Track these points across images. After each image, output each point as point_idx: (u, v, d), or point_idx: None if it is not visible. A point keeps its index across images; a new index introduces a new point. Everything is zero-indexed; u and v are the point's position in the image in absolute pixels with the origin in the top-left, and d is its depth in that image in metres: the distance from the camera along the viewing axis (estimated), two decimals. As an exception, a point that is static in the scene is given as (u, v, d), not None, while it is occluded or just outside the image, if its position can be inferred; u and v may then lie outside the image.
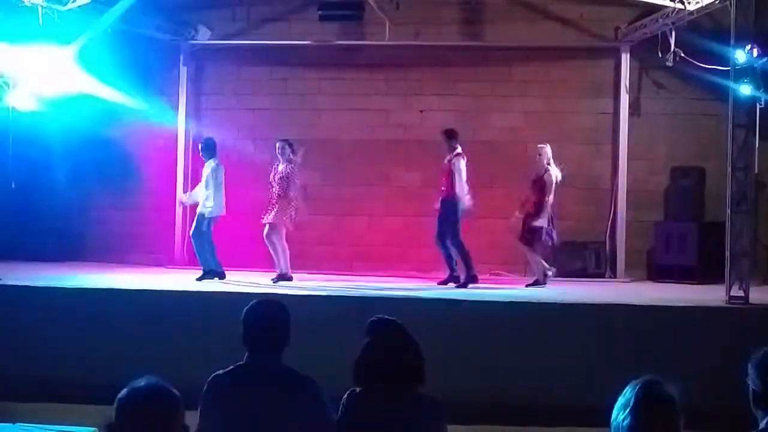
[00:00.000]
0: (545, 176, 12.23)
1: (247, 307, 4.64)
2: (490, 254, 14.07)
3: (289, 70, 15.01)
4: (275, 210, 12.16)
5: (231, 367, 4.54)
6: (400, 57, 14.75)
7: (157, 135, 14.87)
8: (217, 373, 4.54)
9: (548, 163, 12.27)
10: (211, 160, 12.56)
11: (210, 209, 12.39)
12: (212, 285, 11.98)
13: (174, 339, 10.01)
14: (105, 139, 14.65)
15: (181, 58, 15.11)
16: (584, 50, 14.60)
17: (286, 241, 12.31)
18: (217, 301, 10.61)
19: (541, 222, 12.14)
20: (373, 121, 14.76)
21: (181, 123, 15.04)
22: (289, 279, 12.20)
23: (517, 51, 14.62)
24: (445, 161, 12.23)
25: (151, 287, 11.60)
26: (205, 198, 12.45)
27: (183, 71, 15.12)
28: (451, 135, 12.39)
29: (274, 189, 12.28)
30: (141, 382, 3.23)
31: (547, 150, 12.34)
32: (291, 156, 12.34)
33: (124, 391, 3.21)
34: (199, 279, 12.29)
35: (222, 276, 12.38)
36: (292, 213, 12.23)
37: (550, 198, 12.19)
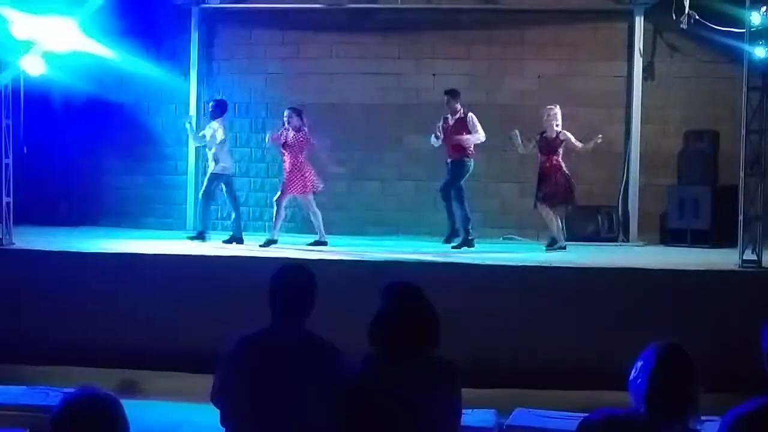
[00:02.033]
0: (560, 136, 12.19)
1: (276, 272, 4.64)
2: (503, 219, 14.09)
3: (302, 34, 14.94)
4: (292, 181, 12.24)
5: (256, 331, 4.55)
6: (413, 20, 14.67)
7: (169, 99, 14.88)
8: (241, 335, 4.55)
9: (557, 125, 12.23)
10: (215, 122, 12.59)
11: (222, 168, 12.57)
12: (230, 249, 11.97)
13: (189, 303, 10.04)
14: (117, 103, 14.65)
15: (193, 22, 15.03)
16: (598, 13, 14.50)
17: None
18: (232, 266, 10.64)
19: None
20: (385, 85, 14.70)
21: (193, 87, 14.98)
22: (324, 243, 12.30)
23: (530, 14, 14.52)
24: (451, 121, 12.22)
25: (165, 251, 11.62)
26: (213, 159, 12.60)
27: (195, 35, 15.05)
28: (456, 94, 12.39)
29: (285, 158, 12.32)
30: (76, 393, 3.10)
31: (557, 111, 12.31)
32: (300, 124, 12.33)
33: (56, 405, 3.06)
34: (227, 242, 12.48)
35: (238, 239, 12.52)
36: (311, 179, 12.27)
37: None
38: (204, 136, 12.72)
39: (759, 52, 10.89)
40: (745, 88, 10.87)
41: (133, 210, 14.99)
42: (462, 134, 12.19)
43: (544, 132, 12.28)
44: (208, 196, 12.67)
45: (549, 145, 12.25)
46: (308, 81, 14.79)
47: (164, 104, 15.01)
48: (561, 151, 12.23)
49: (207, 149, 12.77)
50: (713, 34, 12.78)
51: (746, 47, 10.93)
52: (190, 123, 13.24)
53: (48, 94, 14.01)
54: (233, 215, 12.88)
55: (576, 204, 12.61)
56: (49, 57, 11.97)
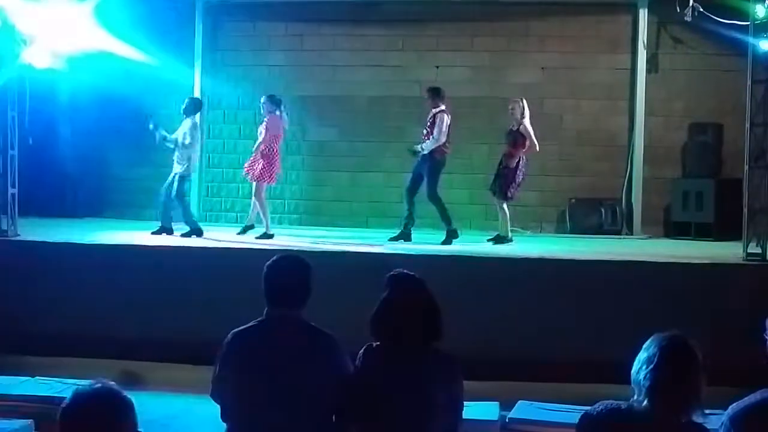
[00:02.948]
0: (521, 129, 12.18)
1: (269, 262, 4.64)
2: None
3: (305, 26, 14.95)
4: (258, 166, 12.26)
5: (252, 323, 4.56)
6: (417, 12, 14.66)
7: (173, 91, 14.88)
8: (238, 328, 4.55)
9: (523, 117, 12.21)
10: (188, 119, 12.55)
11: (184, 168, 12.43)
12: (230, 241, 11.97)
13: (190, 295, 10.05)
14: (121, 95, 14.64)
15: (197, 14, 15.06)
16: (602, 5, 14.49)
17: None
18: (234, 257, 10.65)
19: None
20: (389, 77, 14.71)
21: (197, 79, 15.01)
22: (270, 237, 12.22)
23: (534, 6, 14.51)
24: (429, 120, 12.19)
25: (168, 243, 11.63)
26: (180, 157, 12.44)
27: (199, 27, 15.07)
28: (431, 93, 12.33)
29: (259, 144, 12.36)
30: (86, 389, 3.06)
31: (523, 104, 12.28)
32: (273, 110, 12.36)
33: (67, 399, 3.04)
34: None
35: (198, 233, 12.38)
36: (275, 169, 12.32)
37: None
38: (176, 138, 12.53)
39: (763, 44, 10.88)
40: (749, 81, 10.85)
41: (138, 201, 14.99)
42: (430, 135, 12.17)
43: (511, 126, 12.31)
44: (181, 196, 12.56)
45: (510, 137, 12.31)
46: (312, 73, 14.81)
47: (168, 96, 15.01)
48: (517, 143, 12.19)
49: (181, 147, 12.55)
50: (717, 26, 12.77)
51: (750, 40, 10.90)
52: (155, 125, 12.70)
53: (53, 86, 14.02)
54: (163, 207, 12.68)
55: (509, 199, 12.46)
56: (54, 49, 11.98)
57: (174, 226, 12.50)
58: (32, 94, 12.24)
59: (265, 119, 12.40)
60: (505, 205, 12.31)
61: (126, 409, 3.05)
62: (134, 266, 10.54)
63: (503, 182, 12.22)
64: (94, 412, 3.00)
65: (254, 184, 12.40)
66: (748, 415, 3.63)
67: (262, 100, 12.55)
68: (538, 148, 12.31)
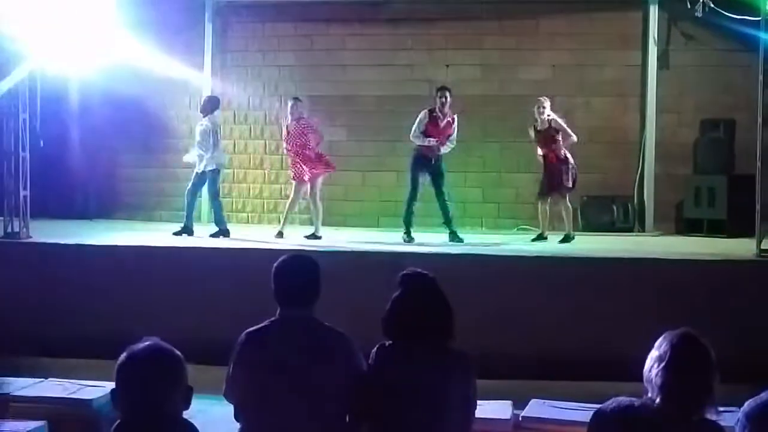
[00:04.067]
0: (552, 124, 12.16)
1: (278, 262, 4.64)
2: (517, 209, 14.07)
3: (314, 26, 14.95)
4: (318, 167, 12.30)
5: (266, 322, 4.56)
6: (425, 11, 14.66)
7: (183, 92, 14.91)
8: (252, 328, 4.55)
9: (547, 115, 12.18)
10: (205, 119, 12.57)
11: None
12: (240, 242, 11.99)
13: (202, 295, 10.06)
14: (131, 96, 14.67)
15: (206, 15, 15.10)
16: (612, 2, 14.46)
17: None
18: (245, 257, 10.64)
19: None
20: (398, 77, 14.70)
21: (206, 80, 15.03)
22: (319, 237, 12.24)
23: (544, 3, 14.50)
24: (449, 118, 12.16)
25: (180, 244, 11.65)
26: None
27: (208, 28, 15.11)
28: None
29: (289, 148, 12.36)
30: (141, 344, 3.18)
31: (544, 102, 12.27)
32: (303, 112, 12.40)
33: (123, 355, 3.15)
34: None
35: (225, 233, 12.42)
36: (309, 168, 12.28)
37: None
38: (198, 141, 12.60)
39: (774, 39, 10.83)
40: (761, 77, 10.80)
41: (148, 203, 15.05)
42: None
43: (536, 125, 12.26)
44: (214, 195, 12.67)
45: (543, 137, 12.23)
46: (321, 73, 14.82)
47: (178, 97, 15.04)
48: (558, 140, 12.15)
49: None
50: (728, 22, 12.73)
51: (762, 35, 10.85)
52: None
53: (64, 88, 14.04)
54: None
55: (570, 191, 12.43)
56: (65, 51, 12.00)
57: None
58: (43, 96, 12.26)
59: (310, 121, 12.43)
60: (567, 203, 12.27)
61: (177, 364, 3.18)
62: (147, 267, 10.57)
63: (548, 182, 12.19)
64: (149, 366, 3.12)
65: (317, 184, 12.41)
66: (765, 411, 3.61)
67: (291, 103, 12.48)
68: (575, 138, 12.25)
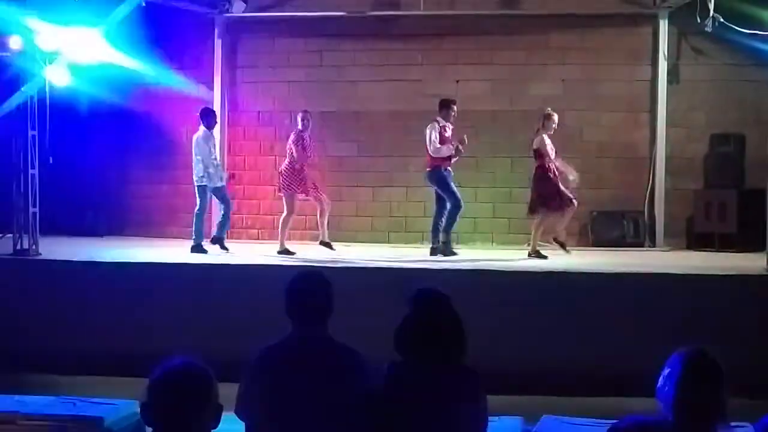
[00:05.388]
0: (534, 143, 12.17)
1: (291, 280, 4.64)
2: (526, 224, 14.01)
3: (324, 42, 14.97)
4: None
5: (278, 340, 4.55)
6: (435, 27, 14.67)
7: (193, 108, 14.92)
8: (265, 345, 4.55)
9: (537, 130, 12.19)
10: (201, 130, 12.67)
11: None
12: (252, 258, 11.98)
13: (213, 312, 10.05)
14: (141, 113, 14.71)
15: (216, 31, 15.11)
16: (622, 17, 14.45)
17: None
18: (257, 274, 10.64)
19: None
20: (408, 92, 14.69)
21: (216, 96, 15.04)
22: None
23: (553, 18, 14.49)
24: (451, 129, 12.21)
25: (190, 261, 11.65)
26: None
27: (218, 44, 15.12)
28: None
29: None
30: (174, 361, 3.22)
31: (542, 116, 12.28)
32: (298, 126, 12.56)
33: (157, 370, 3.20)
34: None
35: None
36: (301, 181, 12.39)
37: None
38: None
39: (785, 54, 10.82)
40: (771, 91, 10.80)
41: (158, 219, 15.04)
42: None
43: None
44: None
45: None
46: (331, 88, 14.82)
47: (188, 113, 15.05)
48: (544, 157, 12.10)
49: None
50: (738, 36, 12.72)
51: (772, 50, 10.86)
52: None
53: (73, 104, 14.07)
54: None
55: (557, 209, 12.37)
56: (74, 67, 12.04)
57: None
58: (52, 112, 12.29)
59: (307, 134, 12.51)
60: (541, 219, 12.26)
61: (209, 382, 3.19)
62: (156, 284, 10.56)
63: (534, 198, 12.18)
64: (182, 383, 3.15)
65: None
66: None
67: (300, 116, 12.57)
68: (553, 156, 12.20)
